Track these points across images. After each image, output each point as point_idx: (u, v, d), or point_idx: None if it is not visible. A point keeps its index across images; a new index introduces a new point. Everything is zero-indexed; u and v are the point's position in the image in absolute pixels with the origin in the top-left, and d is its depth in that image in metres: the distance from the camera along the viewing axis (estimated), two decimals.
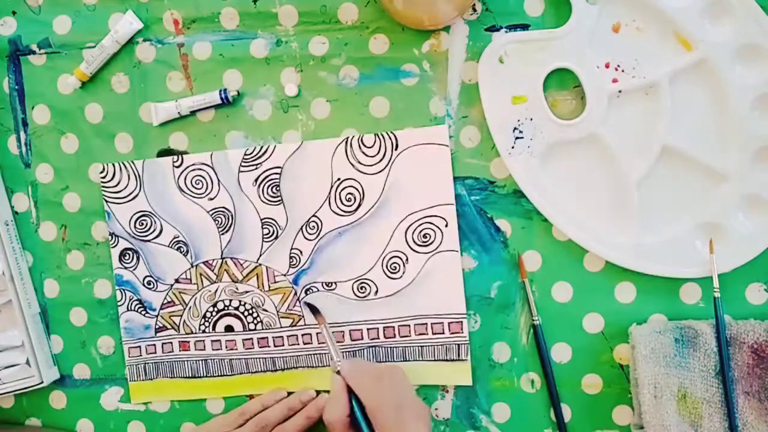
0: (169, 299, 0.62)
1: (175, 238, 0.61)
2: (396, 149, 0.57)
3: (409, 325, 0.58)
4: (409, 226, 0.58)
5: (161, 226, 0.61)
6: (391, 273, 0.58)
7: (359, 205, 0.58)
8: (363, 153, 0.58)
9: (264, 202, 0.59)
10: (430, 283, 0.58)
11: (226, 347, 0.61)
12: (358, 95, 0.58)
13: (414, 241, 0.58)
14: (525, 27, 0.56)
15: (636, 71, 0.54)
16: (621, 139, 0.54)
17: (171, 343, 0.62)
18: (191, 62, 0.60)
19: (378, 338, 0.59)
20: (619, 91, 0.54)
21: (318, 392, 0.60)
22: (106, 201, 0.62)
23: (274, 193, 0.59)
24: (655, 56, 0.53)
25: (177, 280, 0.61)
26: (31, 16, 0.62)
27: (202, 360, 0.62)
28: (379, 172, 0.58)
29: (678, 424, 0.52)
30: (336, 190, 0.58)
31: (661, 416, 0.52)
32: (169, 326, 0.62)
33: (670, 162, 0.54)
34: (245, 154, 0.59)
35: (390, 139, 0.58)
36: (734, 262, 0.54)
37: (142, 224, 0.61)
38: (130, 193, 0.61)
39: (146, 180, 0.61)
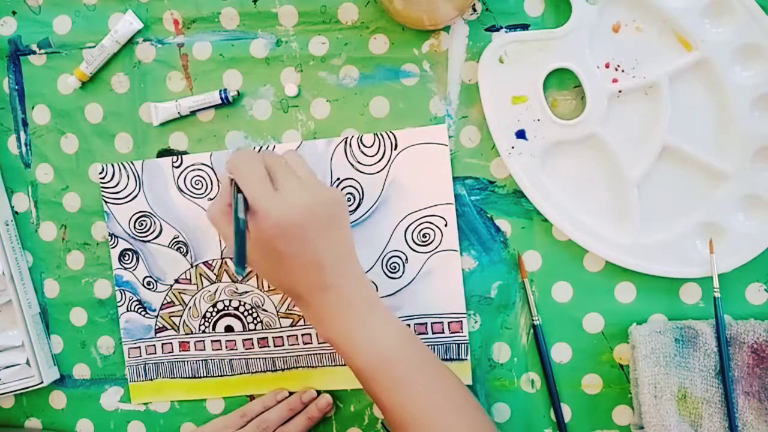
0: (169, 299, 0.62)
1: (174, 238, 0.61)
2: (395, 149, 0.57)
3: (409, 325, 0.58)
4: (409, 225, 0.58)
5: (161, 226, 0.61)
6: (391, 273, 0.58)
7: (359, 205, 0.58)
8: (362, 153, 0.58)
9: None
10: (429, 283, 0.58)
11: (226, 347, 0.61)
12: (358, 95, 0.58)
13: (414, 241, 0.58)
14: (525, 27, 0.56)
15: (636, 71, 0.54)
16: (621, 139, 0.54)
17: (171, 343, 0.62)
18: (191, 62, 0.60)
19: None
20: (619, 91, 0.54)
21: (319, 392, 0.60)
22: (106, 201, 0.62)
23: None
24: (655, 56, 0.53)
25: (177, 281, 0.61)
26: (31, 16, 0.62)
27: (202, 360, 0.62)
28: (379, 171, 0.58)
29: (678, 424, 0.52)
30: None
31: (661, 416, 0.52)
32: (169, 326, 0.62)
33: (670, 162, 0.54)
34: None
35: (389, 138, 0.58)
36: (734, 262, 0.54)
37: (142, 225, 0.61)
38: (130, 194, 0.61)
39: (146, 180, 0.61)
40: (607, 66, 0.54)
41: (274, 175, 0.49)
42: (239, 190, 0.48)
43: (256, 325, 0.61)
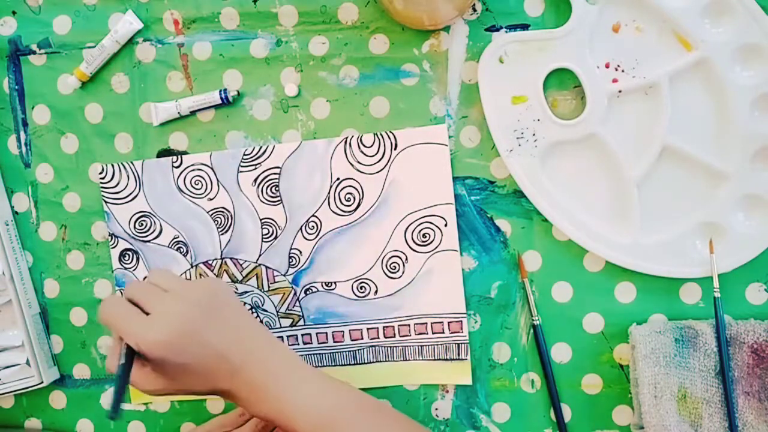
0: None
1: (174, 238, 0.61)
2: (395, 149, 0.57)
3: (408, 325, 0.58)
4: (409, 225, 0.58)
5: (161, 226, 0.61)
6: (391, 272, 0.58)
7: (358, 205, 0.58)
8: (362, 153, 0.58)
9: (263, 202, 0.59)
10: (429, 283, 0.58)
11: None
12: (358, 95, 0.58)
13: (413, 241, 0.58)
14: (525, 27, 0.56)
15: (636, 71, 0.54)
16: (621, 139, 0.54)
17: None
18: (191, 62, 0.60)
19: (378, 338, 0.59)
20: (619, 91, 0.54)
21: None
22: (106, 202, 0.62)
23: (273, 193, 0.59)
24: (655, 56, 0.53)
25: None
26: (31, 16, 0.62)
27: None
28: (379, 171, 0.58)
29: (678, 424, 0.52)
30: (335, 190, 0.58)
31: (661, 416, 0.52)
32: None
33: (670, 162, 0.54)
34: (244, 155, 0.59)
35: (389, 138, 0.58)
36: (734, 262, 0.54)
37: (142, 225, 0.61)
38: (130, 194, 0.61)
39: (146, 181, 0.61)
40: (607, 66, 0.54)
41: (141, 302, 0.48)
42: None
43: None
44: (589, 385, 0.57)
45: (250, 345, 0.49)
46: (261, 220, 0.60)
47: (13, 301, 0.61)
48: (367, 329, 0.59)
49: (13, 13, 0.62)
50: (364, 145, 0.58)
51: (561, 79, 0.55)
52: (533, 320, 0.57)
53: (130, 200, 0.61)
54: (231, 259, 0.60)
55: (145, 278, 0.52)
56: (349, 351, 0.59)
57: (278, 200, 0.59)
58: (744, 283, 0.55)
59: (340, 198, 0.58)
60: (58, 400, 0.64)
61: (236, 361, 0.48)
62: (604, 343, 0.57)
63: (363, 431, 0.47)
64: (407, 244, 0.58)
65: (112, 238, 0.62)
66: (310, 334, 0.60)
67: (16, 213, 0.64)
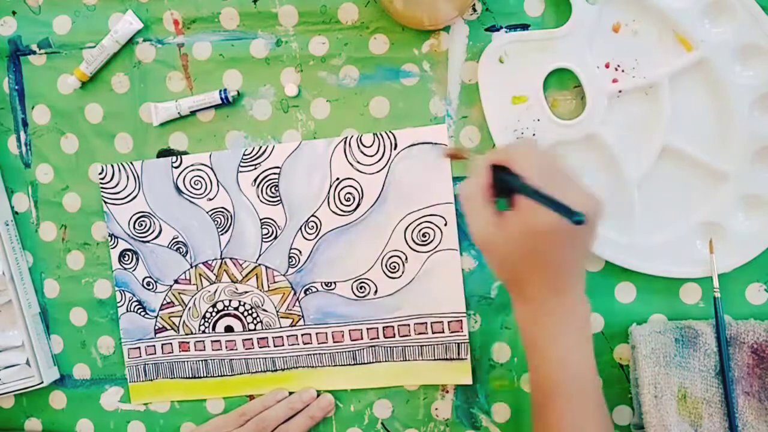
0: (169, 300, 0.62)
1: (174, 238, 0.61)
2: (395, 149, 0.57)
3: (408, 325, 0.58)
4: (409, 225, 0.58)
5: (160, 226, 0.61)
6: (391, 272, 0.58)
7: (358, 205, 0.58)
8: (362, 152, 0.58)
9: (263, 202, 0.59)
10: (429, 282, 0.57)
11: (226, 347, 0.61)
12: (358, 95, 0.58)
13: (413, 240, 0.58)
14: (525, 27, 0.56)
15: (636, 71, 0.54)
16: (621, 139, 0.54)
17: (171, 343, 0.62)
18: (191, 62, 0.60)
19: (378, 338, 0.59)
20: (619, 91, 0.54)
21: (319, 392, 0.60)
22: (105, 202, 0.62)
23: (273, 193, 0.59)
24: (655, 56, 0.53)
25: (176, 281, 0.61)
26: (31, 16, 0.62)
27: (202, 360, 0.62)
28: (378, 171, 0.58)
29: (678, 424, 0.52)
30: (335, 190, 0.58)
31: (661, 416, 0.52)
32: (168, 327, 0.62)
33: (670, 162, 0.54)
34: (244, 155, 0.59)
35: (389, 138, 0.58)
36: (734, 262, 0.54)
37: (142, 225, 0.61)
38: (129, 194, 0.61)
39: (145, 181, 0.61)
40: (607, 66, 0.54)
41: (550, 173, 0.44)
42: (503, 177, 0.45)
43: (256, 325, 0.61)
44: None
45: (578, 279, 0.46)
46: (261, 220, 0.60)
47: (13, 301, 0.61)
48: (367, 329, 0.59)
49: (13, 13, 0.62)
50: (364, 145, 0.58)
51: (561, 79, 0.55)
52: None
53: (130, 200, 0.61)
54: (231, 259, 0.60)
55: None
56: (349, 351, 0.59)
57: (278, 200, 0.59)
58: (744, 283, 0.55)
59: (339, 198, 0.58)
60: (58, 400, 0.64)
61: (562, 282, 0.45)
62: (604, 343, 0.56)
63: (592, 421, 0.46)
64: (407, 243, 0.58)
65: (111, 239, 0.62)
66: (309, 334, 0.60)
67: (16, 213, 0.64)
